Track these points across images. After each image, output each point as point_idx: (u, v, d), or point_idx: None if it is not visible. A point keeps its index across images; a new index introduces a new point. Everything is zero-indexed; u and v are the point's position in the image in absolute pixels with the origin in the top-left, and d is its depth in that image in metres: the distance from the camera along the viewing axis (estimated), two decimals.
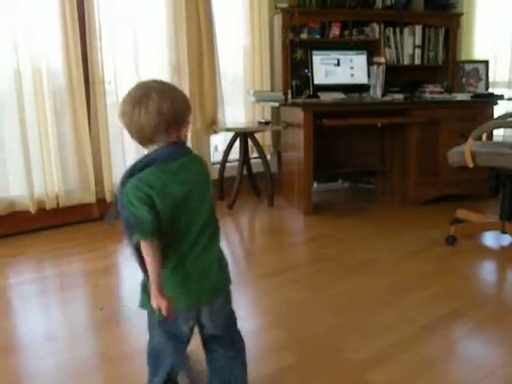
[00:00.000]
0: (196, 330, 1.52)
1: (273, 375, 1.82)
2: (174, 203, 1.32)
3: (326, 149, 4.27)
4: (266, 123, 4.28)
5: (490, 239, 3.37)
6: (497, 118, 3.65)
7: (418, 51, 4.71)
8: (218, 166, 4.34)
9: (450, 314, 2.28)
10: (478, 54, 4.84)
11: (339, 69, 4.34)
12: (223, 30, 4.30)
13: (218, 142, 4.51)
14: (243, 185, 4.23)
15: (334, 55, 4.32)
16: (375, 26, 4.55)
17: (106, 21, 3.66)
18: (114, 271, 3.00)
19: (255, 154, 4.36)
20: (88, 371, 1.89)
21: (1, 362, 1.96)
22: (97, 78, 3.65)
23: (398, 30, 4.64)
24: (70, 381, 1.84)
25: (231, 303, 1.54)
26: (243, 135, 4.20)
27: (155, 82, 1.36)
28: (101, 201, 3.76)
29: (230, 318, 1.55)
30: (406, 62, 4.71)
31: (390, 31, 4.61)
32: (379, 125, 4.08)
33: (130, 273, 2.94)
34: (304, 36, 4.41)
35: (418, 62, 4.74)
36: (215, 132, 4.30)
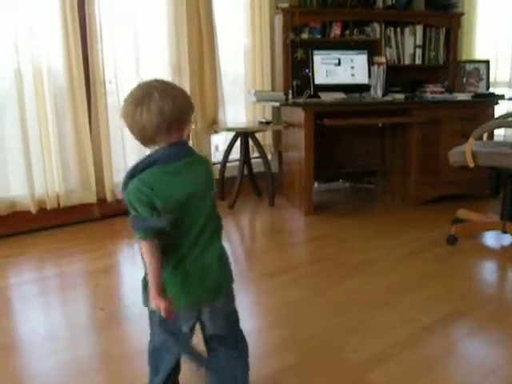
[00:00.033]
0: (198, 329, 1.52)
1: (273, 375, 1.82)
2: (175, 204, 1.32)
3: (326, 149, 4.27)
4: (267, 123, 4.28)
5: (491, 239, 3.37)
6: (497, 118, 3.65)
7: (418, 51, 4.71)
8: (218, 165, 4.34)
9: (450, 313, 2.28)
10: (479, 53, 4.83)
11: (340, 69, 4.34)
12: (224, 30, 4.30)
13: (219, 141, 4.51)
14: (244, 185, 4.23)
15: (335, 55, 4.32)
16: (376, 25, 4.55)
17: (107, 21, 3.66)
18: (114, 271, 3.00)
19: (256, 154, 4.36)
20: (89, 371, 1.89)
21: (1, 362, 1.96)
22: (97, 79, 3.65)
23: (398, 29, 4.63)
24: (70, 381, 1.84)
25: (234, 302, 1.53)
26: (244, 135, 4.20)
27: (157, 81, 1.36)
28: (101, 201, 3.76)
29: (232, 318, 1.54)
30: (407, 61, 4.70)
31: (390, 31, 4.61)
32: (380, 125, 4.08)
33: (130, 273, 2.95)
34: (305, 36, 4.40)
35: (418, 61, 4.73)
36: (216, 132, 4.30)
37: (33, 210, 3.48)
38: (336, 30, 4.49)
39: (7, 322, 2.34)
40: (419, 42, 4.69)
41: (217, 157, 4.47)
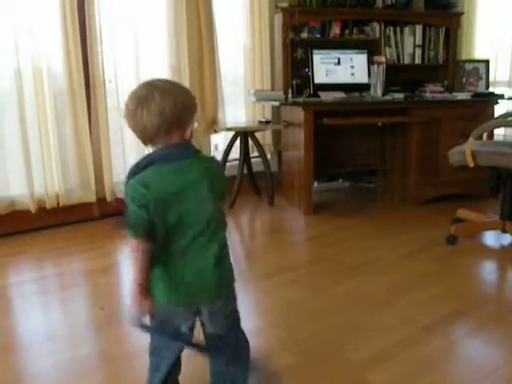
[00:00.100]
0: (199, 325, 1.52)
1: (272, 375, 1.82)
2: (169, 204, 1.31)
3: (326, 148, 4.27)
4: (267, 122, 4.28)
5: (491, 239, 3.37)
6: (497, 118, 3.65)
7: (418, 50, 4.71)
8: None
9: (450, 313, 2.27)
10: (479, 53, 4.83)
11: (340, 68, 4.34)
12: (223, 30, 4.30)
13: (219, 141, 4.51)
14: (243, 184, 4.23)
15: (335, 54, 4.32)
16: (376, 25, 4.55)
17: (107, 22, 3.66)
18: (114, 270, 3.00)
19: (255, 154, 4.35)
20: (88, 371, 1.89)
21: (1, 361, 1.96)
22: (97, 81, 3.65)
23: (398, 29, 4.63)
24: (70, 380, 1.84)
25: (234, 303, 1.52)
26: (244, 134, 4.20)
27: (159, 80, 1.36)
28: (101, 200, 3.76)
29: (233, 318, 1.52)
30: (407, 61, 4.70)
31: (390, 30, 4.61)
32: (380, 124, 4.08)
33: (130, 272, 2.95)
34: (304, 35, 4.40)
35: (418, 61, 4.73)
36: (215, 131, 4.30)
37: (32, 209, 3.48)
38: (336, 30, 4.49)
39: (7, 321, 2.33)
40: (419, 41, 4.69)
41: (216, 156, 4.46)
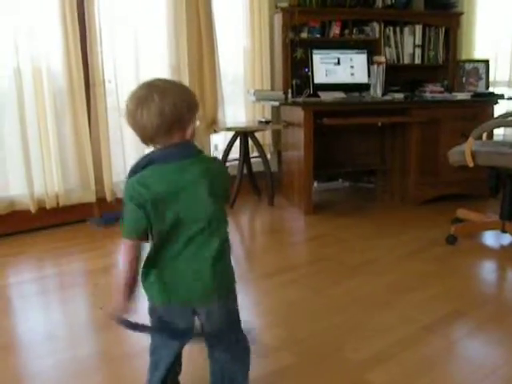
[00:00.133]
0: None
1: (272, 375, 1.82)
2: (167, 204, 1.32)
3: (326, 148, 4.27)
4: (267, 122, 4.28)
5: (491, 239, 3.37)
6: (497, 118, 3.65)
7: (418, 50, 4.71)
8: None
9: (450, 313, 2.28)
10: (479, 53, 4.84)
11: (339, 68, 4.34)
12: (223, 30, 4.30)
13: (219, 141, 4.51)
14: (243, 184, 4.23)
15: (335, 54, 4.32)
16: (375, 25, 4.55)
17: (107, 22, 3.66)
18: (114, 270, 3.00)
19: (255, 154, 4.35)
20: (88, 371, 1.89)
21: (1, 361, 1.96)
22: (97, 80, 3.65)
23: (398, 29, 4.63)
24: (70, 380, 1.84)
25: (234, 303, 1.51)
26: (243, 134, 4.20)
27: (159, 80, 1.36)
28: (101, 200, 3.76)
29: (232, 318, 1.51)
30: (407, 61, 4.71)
31: (390, 30, 4.61)
32: (379, 124, 4.08)
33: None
34: (304, 35, 4.40)
35: (418, 61, 4.74)
36: (215, 131, 4.30)
37: (32, 209, 3.48)
38: (335, 30, 4.49)
39: (7, 321, 2.33)
40: (418, 41, 4.69)
41: (216, 156, 4.47)
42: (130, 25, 3.80)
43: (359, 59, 4.37)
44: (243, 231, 3.82)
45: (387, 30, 4.60)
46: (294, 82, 4.30)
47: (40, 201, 3.53)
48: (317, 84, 4.25)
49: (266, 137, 4.61)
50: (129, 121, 1.34)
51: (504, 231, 3.17)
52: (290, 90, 4.24)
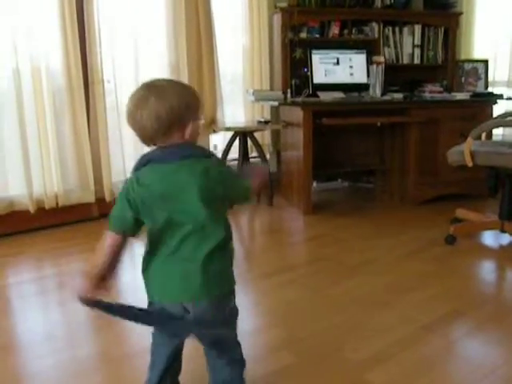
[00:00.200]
0: None
1: (271, 375, 1.82)
2: (159, 203, 1.33)
3: (325, 148, 4.28)
4: (266, 122, 4.28)
5: (490, 238, 3.37)
6: (496, 117, 3.65)
7: (417, 50, 4.72)
8: None
9: (449, 313, 2.28)
10: (478, 53, 4.84)
11: (338, 68, 4.34)
12: (222, 30, 4.30)
13: (218, 141, 4.51)
14: None
15: (334, 54, 4.32)
16: (374, 25, 4.55)
17: (106, 21, 3.66)
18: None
19: (254, 154, 4.35)
20: (88, 371, 1.89)
21: (0, 361, 1.96)
22: (96, 79, 3.65)
23: (397, 29, 4.64)
24: (69, 380, 1.84)
25: (228, 307, 1.47)
26: (242, 134, 4.20)
27: (159, 81, 1.37)
28: (100, 200, 3.76)
29: (224, 322, 1.48)
30: (406, 61, 4.71)
31: (389, 30, 4.62)
32: (379, 124, 4.07)
33: (129, 272, 2.94)
34: (303, 35, 4.41)
35: (417, 61, 4.74)
36: (214, 131, 4.30)
37: (31, 209, 3.48)
38: (334, 30, 4.49)
39: (6, 321, 2.33)
40: (418, 41, 4.70)
41: None
42: (129, 24, 3.81)
43: (358, 59, 4.37)
44: (242, 231, 3.82)
45: (386, 30, 4.60)
46: (293, 82, 4.30)
47: (39, 201, 3.53)
48: (316, 84, 4.25)
49: (265, 137, 4.61)
50: (129, 121, 1.35)
51: (503, 231, 3.18)
52: (289, 90, 4.25)
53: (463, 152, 3.02)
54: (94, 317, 2.35)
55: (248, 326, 2.16)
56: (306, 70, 4.30)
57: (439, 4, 4.72)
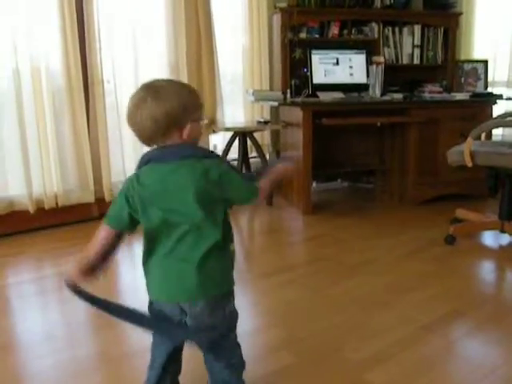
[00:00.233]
0: None
1: (271, 375, 1.82)
2: (155, 203, 1.34)
3: (325, 148, 4.28)
4: (265, 122, 4.28)
5: (489, 239, 3.37)
6: (496, 118, 3.65)
7: (417, 51, 4.71)
8: None
9: (449, 313, 2.28)
10: (478, 53, 4.84)
11: (338, 68, 4.34)
12: (222, 30, 4.30)
13: (217, 141, 4.51)
14: None
15: (333, 54, 4.32)
16: (374, 25, 4.55)
17: (105, 21, 3.66)
18: (112, 270, 2.99)
19: (254, 154, 4.35)
20: (87, 371, 1.89)
21: (0, 361, 1.96)
22: (96, 79, 3.65)
23: (397, 29, 4.64)
24: (69, 380, 1.84)
25: (225, 308, 1.46)
26: (242, 135, 4.20)
27: (158, 81, 1.37)
28: (100, 200, 3.76)
29: (221, 324, 1.46)
30: (405, 61, 4.71)
31: (389, 31, 4.62)
32: (378, 124, 4.08)
33: (129, 272, 2.95)
34: (303, 35, 4.40)
35: (417, 61, 4.74)
36: (214, 132, 4.30)
37: (31, 209, 3.48)
38: (334, 30, 4.49)
39: (6, 321, 2.33)
40: (417, 41, 4.70)
41: None
42: (129, 24, 3.80)
43: (358, 59, 4.38)
44: (242, 231, 3.82)
45: (386, 30, 4.60)
46: (292, 82, 4.30)
47: (39, 201, 3.53)
48: (316, 84, 4.25)
49: (264, 137, 4.61)
50: (128, 122, 1.36)
51: (503, 231, 3.18)
52: (288, 90, 4.25)
53: (463, 152, 3.02)
54: (93, 317, 2.35)
55: (247, 326, 2.16)
56: (305, 70, 4.30)
57: (439, 4, 4.72)
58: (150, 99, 1.30)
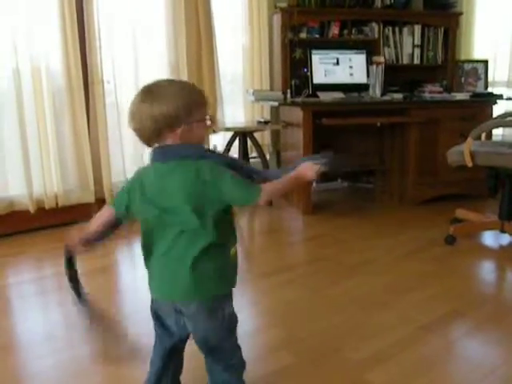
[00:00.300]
0: None
1: (271, 375, 1.82)
2: (151, 201, 1.36)
3: (325, 148, 4.27)
4: (265, 122, 4.28)
5: (489, 239, 3.37)
6: (496, 118, 3.65)
7: (417, 50, 4.71)
8: None
9: (449, 313, 2.28)
10: (478, 53, 4.84)
11: (338, 68, 4.34)
12: (222, 30, 4.30)
13: (217, 141, 4.50)
14: None
15: (333, 54, 4.32)
16: (374, 25, 4.55)
17: (105, 21, 3.66)
18: (112, 270, 3.00)
19: (254, 154, 4.35)
20: (87, 371, 1.89)
21: (0, 361, 1.96)
22: (96, 79, 3.65)
23: (397, 29, 4.64)
24: (69, 380, 1.84)
25: (221, 310, 1.46)
26: (242, 135, 4.20)
27: (159, 82, 1.38)
28: (100, 200, 3.75)
29: (218, 326, 1.46)
30: (405, 61, 4.71)
31: (389, 30, 4.61)
32: (378, 124, 4.07)
33: (129, 272, 2.95)
34: (303, 35, 4.40)
35: (417, 61, 4.74)
36: (214, 132, 4.29)
37: (31, 209, 3.48)
38: (334, 30, 4.49)
39: (6, 321, 2.33)
40: (417, 41, 4.69)
41: None
42: (129, 24, 3.80)
43: (358, 59, 4.38)
44: (242, 231, 3.82)
45: (386, 30, 4.60)
46: (292, 82, 4.30)
47: (39, 201, 3.53)
48: (316, 84, 4.25)
49: (264, 137, 4.61)
50: (129, 122, 1.38)
51: (503, 231, 3.18)
52: (288, 90, 4.25)
53: (463, 152, 3.02)
54: (93, 317, 2.35)
55: (247, 326, 2.16)
56: (305, 70, 4.30)
57: (439, 4, 4.71)
58: (150, 100, 1.31)
